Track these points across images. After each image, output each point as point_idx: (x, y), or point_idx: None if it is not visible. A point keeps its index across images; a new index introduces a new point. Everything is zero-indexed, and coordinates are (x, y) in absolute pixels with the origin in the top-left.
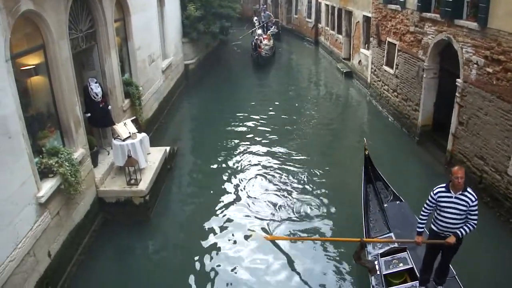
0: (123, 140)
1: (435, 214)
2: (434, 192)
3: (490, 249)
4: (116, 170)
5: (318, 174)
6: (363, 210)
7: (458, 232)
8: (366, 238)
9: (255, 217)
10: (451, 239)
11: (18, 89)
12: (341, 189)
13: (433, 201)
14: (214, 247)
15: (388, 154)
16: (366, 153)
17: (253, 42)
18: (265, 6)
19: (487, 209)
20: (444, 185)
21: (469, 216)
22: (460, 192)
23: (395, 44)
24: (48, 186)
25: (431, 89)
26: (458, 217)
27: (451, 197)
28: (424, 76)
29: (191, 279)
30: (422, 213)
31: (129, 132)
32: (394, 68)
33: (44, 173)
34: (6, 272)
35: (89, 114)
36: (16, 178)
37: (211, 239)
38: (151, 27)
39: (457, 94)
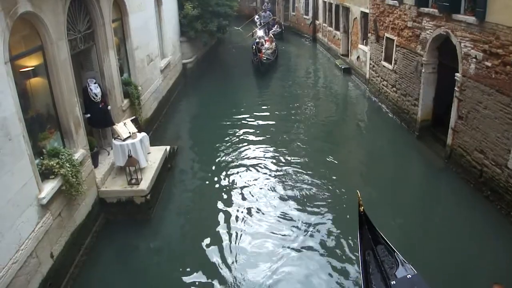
0: (123, 140)
1: None
2: None
3: (492, 241)
4: (117, 170)
5: (316, 175)
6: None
7: None
8: None
9: (255, 215)
10: None
11: (18, 91)
12: (340, 198)
13: None
14: (216, 246)
15: (388, 149)
16: (361, 209)
17: (253, 45)
18: (268, 3)
19: (488, 202)
20: None
21: None
22: None
23: (393, 40)
24: (50, 187)
25: (430, 84)
26: None
27: None
28: (423, 71)
29: (193, 278)
30: None
31: (129, 132)
32: (392, 63)
33: (45, 174)
34: (9, 274)
35: (88, 115)
36: (17, 180)
37: (213, 237)
38: (149, 26)
39: (456, 88)
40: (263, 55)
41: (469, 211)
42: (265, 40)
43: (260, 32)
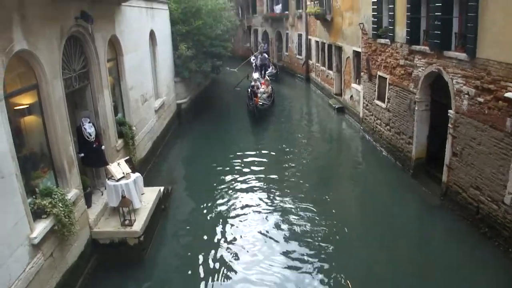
0: (117, 181)
1: None
2: None
3: (491, 278)
4: (110, 211)
5: (311, 216)
6: None
7: None
8: None
9: (250, 257)
10: None
11: (12, 129)
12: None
13: None
14: None
15: (383, 188)
16: None
17: (249, 89)
18: (265, 45)
19: (486, 239)
20: None
21: None
22: None
23: (386, 78)
24: (42, 227)
25: (423, 122)
26: None
27: None
28: (416, 108)
29: None
30: None
31: (123, 172)
32: (386, 102)
33: (37, 213)
34: None
35: (82, 154)
36: (9, 219)
37: (207, 280)
38: (144, 66)
39: (449, 125)
40: (259, 100)
41: (466, 248)
42: (260, 83)
43: (255, 75)
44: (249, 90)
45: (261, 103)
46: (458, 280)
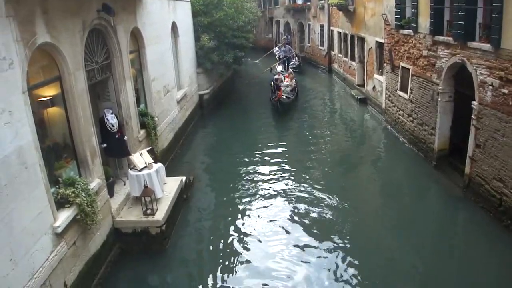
0: (139, 171)
1: None
2: None
3: None
4: (133, 201)
5: (334, 207)
6: None
7: None
8: None
9: (270, 251)
10: None
11: (35, 120)
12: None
13: None
14: (231, 278)
15: (405, 180)
16: None
17: (272, 82)
18: (288, 36)
19: (508, 231)
20: None
21: None
22: None
23: (409, 69)
24: (65, 216)
25: (446, 113)
26: None
27: None
28: (439, 99)
29: None
30: None
31: (145, 162)
32: (408, 93)
33: (60, 203)
34: None
35: (105, 145)
36: (33, 208)
37: (228, 270)
38: (166, 58)
39: (473, 116)
40: (282, 94)
41: (488, 241)
42: (284, 76)
43: (279, 67)
44: (272, 83)
45: (284, 97)
46: (478, 272)
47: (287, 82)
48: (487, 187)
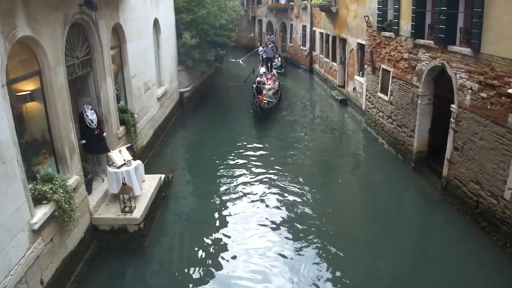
0: (118, 168)
1: None
2: None
3: (488, 274)
4: (111, 198)
5: (312, 208)
6: None
7: None
8: None
9: (248, 248)
10: None
11: (13, 115)
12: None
13: None
14: (209, 276)
15: (383, 182)
16: None
17: (254, 85)
18: (271, 36)
19: (484, 234)
20: None
21: None
22: None
23: (389, 71)
24: (42, 212)
25: (426, 115)
26: None
27: None
28: (419, 102)
29: None
30: None
31: (124, 160)
32: (388, 94)
33: (38, 199)
34: None
35: (84, 141)
36: (10, 204)
37: (206, 268)
38: (147, 55)
39: (451, 119)
40: (264, 98)
41: (465, 242)
42: (267, 78)
43: (262, 68)
44: (254, 86)
45: (266, 101)
46: (455, 274)
47: (269, 85)
48: (464, 189)
